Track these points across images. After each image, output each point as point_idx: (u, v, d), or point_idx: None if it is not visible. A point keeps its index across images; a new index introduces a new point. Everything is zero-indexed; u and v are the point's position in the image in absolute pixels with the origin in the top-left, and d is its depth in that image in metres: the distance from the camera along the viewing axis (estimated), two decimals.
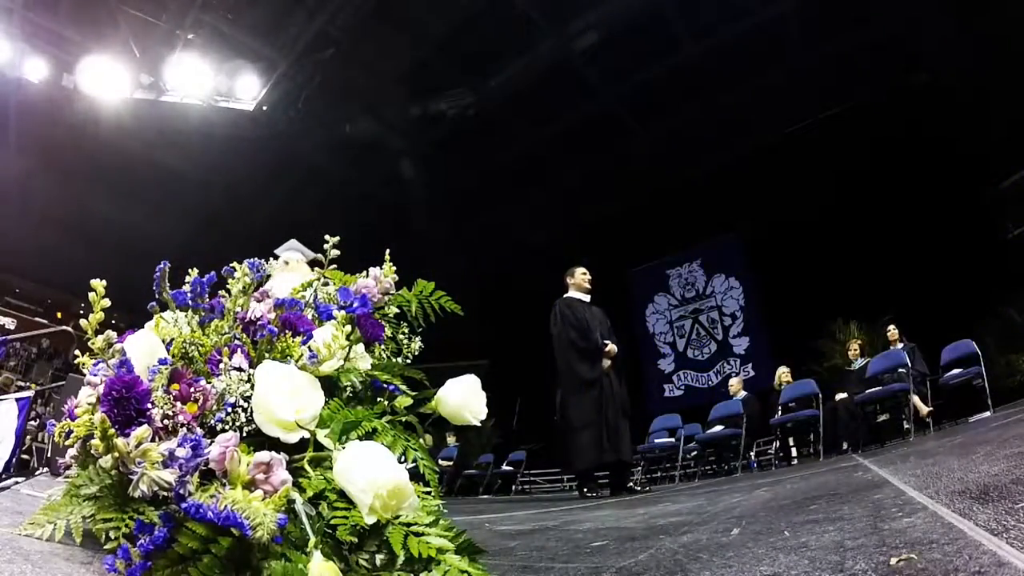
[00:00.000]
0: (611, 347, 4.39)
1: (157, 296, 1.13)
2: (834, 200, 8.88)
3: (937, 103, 7.85)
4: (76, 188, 9.38)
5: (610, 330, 4.57)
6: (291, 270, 4.68)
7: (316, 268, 1.20)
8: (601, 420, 4.20)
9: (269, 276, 1.22)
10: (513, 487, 9.05)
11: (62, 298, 12.80)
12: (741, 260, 11.17)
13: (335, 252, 1.17)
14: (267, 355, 0.97)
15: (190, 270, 1.14)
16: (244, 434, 0.86)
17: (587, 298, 4.69)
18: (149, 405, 0.82)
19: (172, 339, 1.01)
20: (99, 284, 0.95)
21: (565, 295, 4.71)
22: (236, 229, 9.92)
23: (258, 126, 8.62)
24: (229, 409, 0.87)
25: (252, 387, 0.88)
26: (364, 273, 1.23)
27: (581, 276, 4.72)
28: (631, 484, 4.53)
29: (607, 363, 4.37)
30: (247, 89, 8.10)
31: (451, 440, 10.11)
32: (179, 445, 0.76)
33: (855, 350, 7.23)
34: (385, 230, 10.03)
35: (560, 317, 4.52)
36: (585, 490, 4.35)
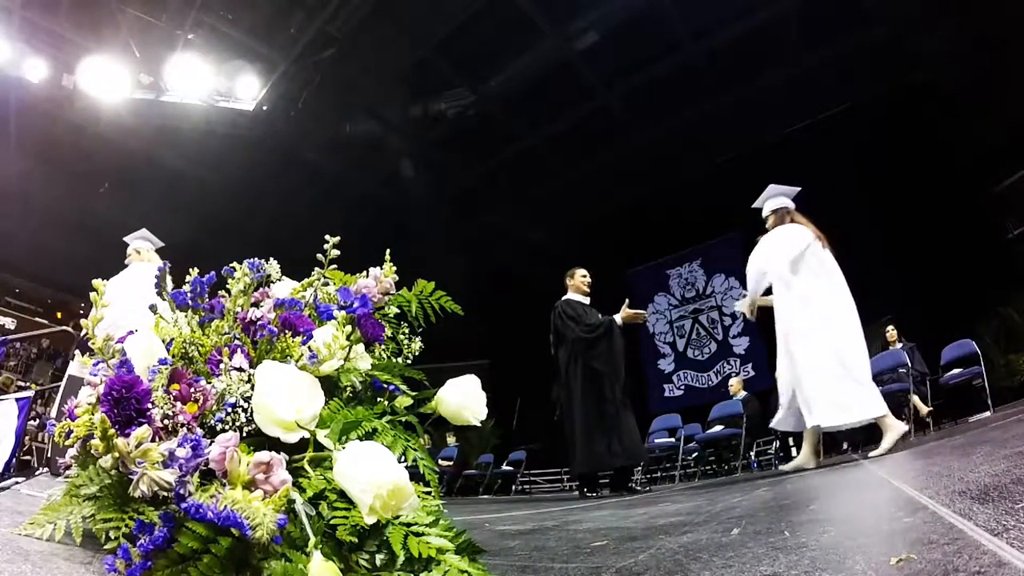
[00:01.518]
0: (621, 315, 4.33)
1: (157, 296, 1.13)
2: (834, 200, 8.88)
3: (937, 103, 7.85)
4: (76, 188, 9.37)
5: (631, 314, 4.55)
6: (142, 259, 4.59)
7: (316, 268, 1.20)
8: (612, 422, 4.17)
9: (269, 276, 1.21)
10: (513, 487, 9.06)
11: (62, 298, 12.79)
12: (741, 260, 11.12)
13: (335, 252, 1.17)
14: (267, 355, 0.97)
15: (190, 270, 1.14)
16: (244, 434, 0.86)
17: (587, 300, 4.68)
18: (149, 405, 0.82)
19: (172, 339, 1.01)
20: (100, 284, 0.95)
21: (564, 297, 4.70)
22: (236, 229, 9.92)
23: (258, 126, 8.61)
24: (229, 409, 0.87)
25: (252, 387, 0.88)
26: (364, 273, 1.23)
27: (581, 278, 4.69)
28: (632, 483, 4.53)
29: (627, 314, 4.33)
30: (247, 89, 8.10)
31: (451, 440, 10.12)
32: (179, 445, 0.76)
33: None
34: (385, 230, 10.03)
35: (562, 316, 4.51)
36: (585, 491, 4.35)
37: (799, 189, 3.91)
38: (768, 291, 3.80)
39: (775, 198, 3.91)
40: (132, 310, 3.75)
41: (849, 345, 3.36)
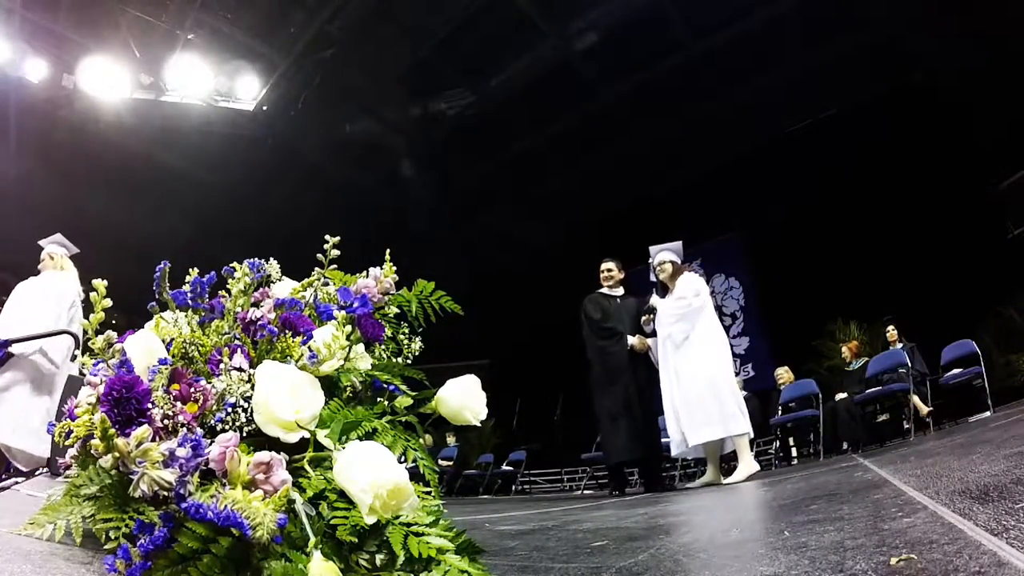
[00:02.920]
0: (635, 341, 4.42)
1: (157, 296, 1.13)
2: (834, 200, 8.89)
3: (937, 103, 7.86)
4: (76, 188, 9.36)
5: (644, 321, 4.55)
6: (55, 265, 4.55)
7: (316, 268, 1.20)
8: (627, 416, 4.28)
9: (269, 276, 1.21)
10: (513, 487, 9.05)
11: None
12: (741, 260, 11.15)
13: (335, 252, 1.17)
14: (267, 355, 0.97)
15: (190, 270, 1.14)
16: (244, 434, 0.86)
17: (614, 292, 4.73)
18: (149, 405, 0.82)
19: (172, 339, 1.01)
20: (100, 284, 0.95)
21: (597, 291, 4.81)
22: (236, 229, 9.91)
23: (258, 126, 8.62)
24: (229, 409, 0.87)
25: (252, 387, 0.88)
26: (364, 273, 1.23)
27: (601, 273, 4.80)
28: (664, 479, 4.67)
29: (634, 341, 4.41)
30: (247, 89, 8.10)
31: (451, 440, 10.11)
32: (179, 445, 0.76)
33: (847, 353, 7.25)
34: (385, 230, 10.02)
35: (584, 314, 4.65)
36: (614, 491, 4.42)
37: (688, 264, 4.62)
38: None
39: (672, 252, 4.49)
40: (30, 319, 3.68)
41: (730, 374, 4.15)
